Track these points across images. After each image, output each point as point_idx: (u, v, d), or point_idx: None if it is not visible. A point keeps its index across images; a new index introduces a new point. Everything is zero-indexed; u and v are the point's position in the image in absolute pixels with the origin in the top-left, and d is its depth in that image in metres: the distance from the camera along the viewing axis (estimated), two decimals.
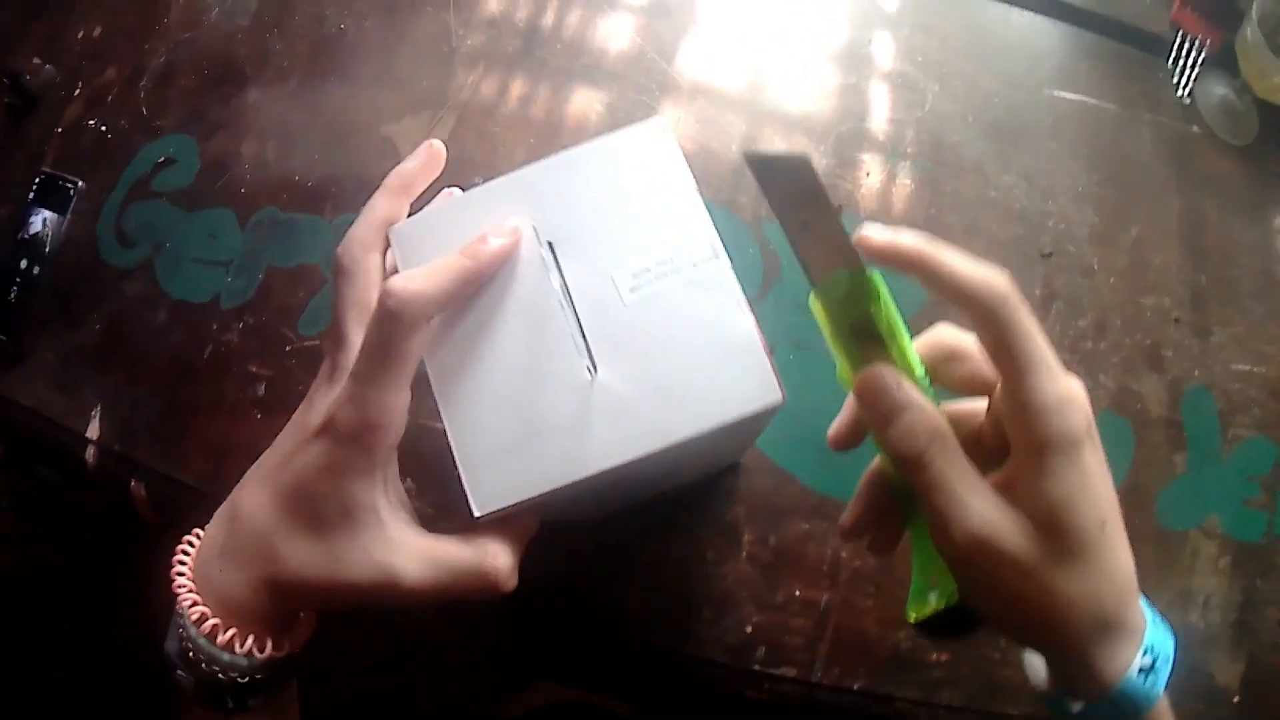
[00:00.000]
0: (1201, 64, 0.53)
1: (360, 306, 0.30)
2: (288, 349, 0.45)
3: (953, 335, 0.29)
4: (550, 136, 0.48)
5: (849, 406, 0.31)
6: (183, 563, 0.30)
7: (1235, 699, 0.42)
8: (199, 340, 0.46)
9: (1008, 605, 0.26)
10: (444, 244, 0.29)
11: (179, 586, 0.29)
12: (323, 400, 0.30)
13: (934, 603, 0.28)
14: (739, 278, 0.29)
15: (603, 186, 0.30)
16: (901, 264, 0.27)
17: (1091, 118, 0.51)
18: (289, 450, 0.29)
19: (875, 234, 0.27)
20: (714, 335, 0.28)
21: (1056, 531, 0.25)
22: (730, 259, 0.29)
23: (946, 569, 0.27)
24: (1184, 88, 0.53)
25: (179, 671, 0.29)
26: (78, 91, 0.53)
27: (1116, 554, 0.26)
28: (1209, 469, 0.46)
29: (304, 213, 0.48)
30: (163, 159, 0.50)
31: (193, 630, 0.28)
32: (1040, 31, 0.53)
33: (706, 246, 0.29)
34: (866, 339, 0.28)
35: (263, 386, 0.45)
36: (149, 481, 0.45)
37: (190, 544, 0.31)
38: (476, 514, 0.28)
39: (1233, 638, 0.43)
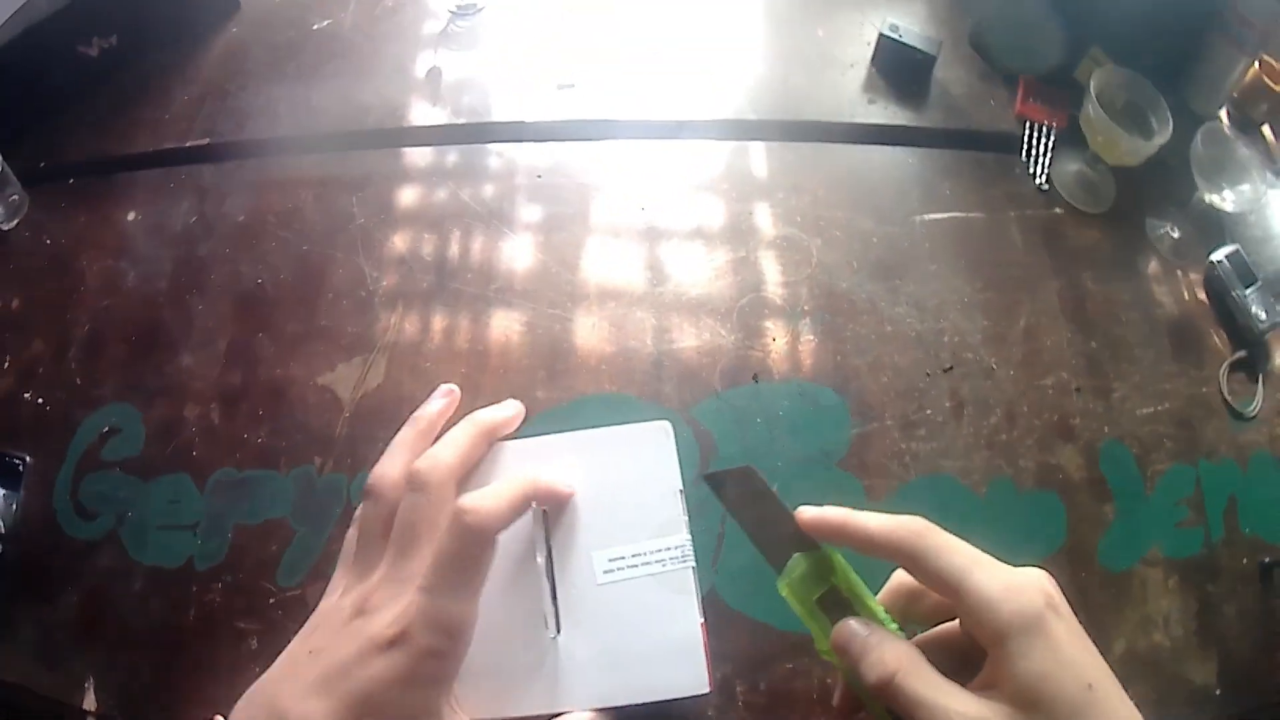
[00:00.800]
0: (1053, 147, 0.58)
1: (427, 522, 0.33)
2: (271, 601, 0.46)
3: (906, 577, 0.32)
4: (480, 364, 0.49)
5: (841, 679, 0.34)
6: None
7: (1216, 692, 0.46)
8: (181, 604, 0.46)
9: None
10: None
11: None
12: (384, 608, 0.31)
13: None
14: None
15: (602, 471, 0.34)
16: (829, 535, 0.31)
17: (963, 230, 0.55)
18: (349, 658, 0.30)
19: (806, 514, 0.31)
20: (666, 628, 0.32)
21: (1038, 705, 0.26)
22: (694, 557, 0.33)
23: None
24: (1041, 175, 0.57)
25: None
26: (6, 365, 0.53)
27: (1114, 711, 0.27)
28: (1138, 508, 0.49)
29: (260, 469, 0.48)
30: (107, 429, 0.50)
31: None
32: (901, 163, 0.57)
33: (679, 551, 0.34)
34: (835, 608, 0.31)
35: (255, 641, 0.45)
36: None
37: None
38: None
39: (1200, 642, 0.47)
